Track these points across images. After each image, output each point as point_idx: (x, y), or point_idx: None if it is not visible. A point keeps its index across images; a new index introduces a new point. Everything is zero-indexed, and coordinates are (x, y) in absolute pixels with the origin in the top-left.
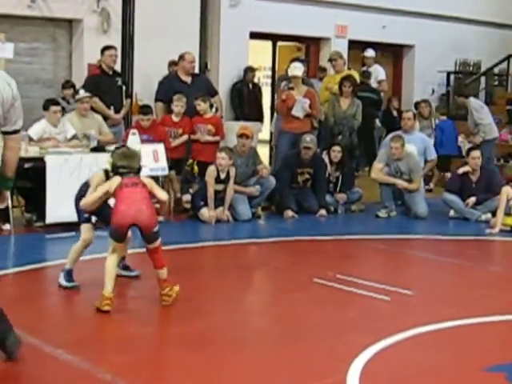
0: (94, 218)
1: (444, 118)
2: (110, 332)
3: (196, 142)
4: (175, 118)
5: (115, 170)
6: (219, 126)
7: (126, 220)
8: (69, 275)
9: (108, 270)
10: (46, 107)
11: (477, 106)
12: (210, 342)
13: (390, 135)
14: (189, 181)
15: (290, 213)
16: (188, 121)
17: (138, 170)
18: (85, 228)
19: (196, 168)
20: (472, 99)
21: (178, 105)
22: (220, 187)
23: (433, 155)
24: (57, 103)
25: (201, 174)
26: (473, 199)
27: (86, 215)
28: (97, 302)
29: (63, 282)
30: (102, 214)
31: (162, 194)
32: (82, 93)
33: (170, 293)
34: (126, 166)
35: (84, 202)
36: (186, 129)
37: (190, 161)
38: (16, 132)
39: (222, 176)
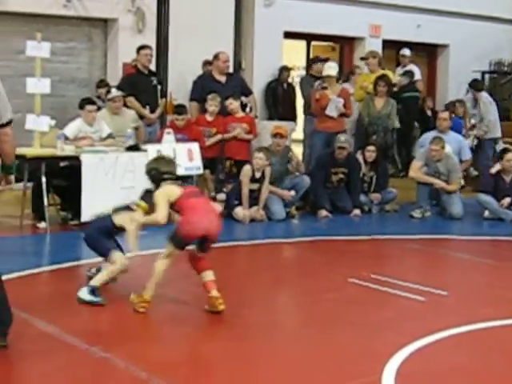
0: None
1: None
2: (146, 330)
3: (230, 142)
4: (209, 118)
5: (160, 177)
6: (253, 125)
7: (199, 231)
8: (94, 292)
9: (157, 274)
10: (81, 106)
11: (486, 101)
12: (245, 341)
13: (429, 136)
14: (223, 180)
15: (324, 212)
16: (222, 120)
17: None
18: (117, 255)
19: (234, 169)
20: (483, 93)
21: (212, 104)
22: (255, 186)
23: (467, 155)
24: (92, 102)
25: (235, 173)
26: (508, 200)
27: (111, 246)
28: (134, 299)
29: (87, 297)
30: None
31: None
32: (114, 92)
33: (219, 295)
34: (171, 171)
35: (160, 216)
36: (220, 128)
37: (229, 162)
38: (5, 125)
39: (257, 175)
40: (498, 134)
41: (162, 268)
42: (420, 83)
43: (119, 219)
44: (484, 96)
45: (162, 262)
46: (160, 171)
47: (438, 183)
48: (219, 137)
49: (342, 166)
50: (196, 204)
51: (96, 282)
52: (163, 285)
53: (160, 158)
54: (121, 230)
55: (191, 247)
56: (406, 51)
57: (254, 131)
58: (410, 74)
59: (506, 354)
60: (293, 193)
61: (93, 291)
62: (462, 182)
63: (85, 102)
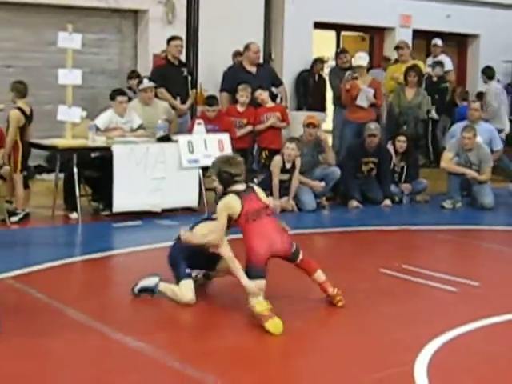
0: (194, 273)
1: None
2: (179, 321)
3: (264, 132)
4: (240, 108)
5: (231, 179)
6: (285, 114)
7: (263, 256)
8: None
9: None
10: (112, 97)
11: (495, 90)
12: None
13: (459, 126)
14: (254, 170)
15: (354, 203)
16: (253, 111)
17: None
18: (187, 287)
19: (267, 157)
20: (494, 82)
21: (244, 95)
22: (285, 177)
23: (499, 145)
24: (123, 93)
25: (268, 164)
26: None
27: (188, 270)
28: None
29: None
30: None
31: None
32: (145, 82)
33: (336, 292)
34: (241, 173)
35: (215, 236)
36: (251, 119)
37: (264, 152)
38: None
39: (288, 166)
40: (502, 126)
41: (259, 309)
42: (452, 74)
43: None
44: (493, 84)
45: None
46: (232, 174)
47: (470, 173)
48: (250, 128)
49: (373, 155)
50: (256, 228)
51: (163, 288)
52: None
53: (229, 160)
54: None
55: None
56: (438, 41)
57: (287, 120)
58: (440, 64)
59: None
60: (323, 184)
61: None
62: None
63: (116, 93)
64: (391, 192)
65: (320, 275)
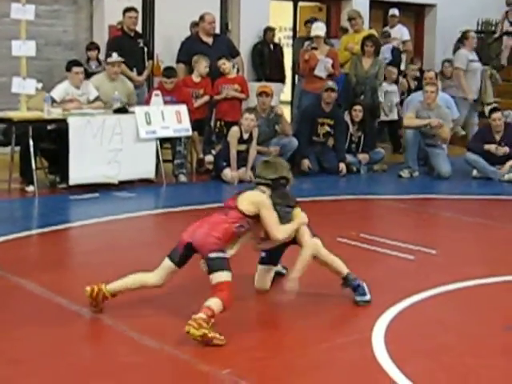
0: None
1: None
2: (135, 291)
3: (221, 103)
4: (196, 79)
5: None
6: (244, 85)
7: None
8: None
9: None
10: (68, 68)
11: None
12: (237, 301)
13: (415, 96)
14: (211, 142)
15: (306, 162)
16: (209, 81)
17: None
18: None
19: (225, 129)
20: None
21: (201, 65)
22: (243, 147)
23: (455, 114)
24: (79, 64)
25: (225, 135)
26: (506, 148)
27: None
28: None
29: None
30: None
31: None
32: (114, 56)
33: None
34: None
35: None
36: (207, 89)
37: (219, 122)
38: None
39: (245, 136)
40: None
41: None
42: (409, 44)
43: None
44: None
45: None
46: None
47: (433, 121)
48: (207, 98)
49: (329, 117)
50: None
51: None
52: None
53: (285, 164)
54: None
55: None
56: (395, 11)
57: (246, 91)
58: (386, 34)
59: (494, 312)
60: (277, 148)
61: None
62: (463, 131)
63: (71, 64)
64: (345, 156)
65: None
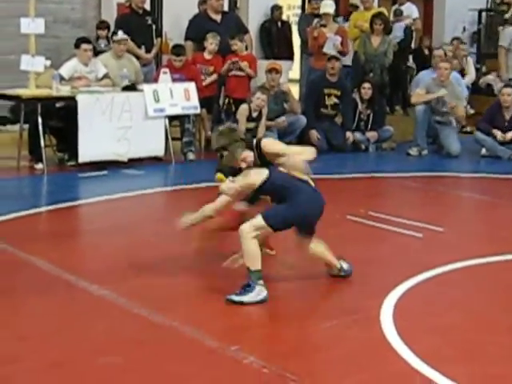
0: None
1: None
2: (145, 269)
3: (229, 80)
4: (207, 56)
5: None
6: (253, 64)
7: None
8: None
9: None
10: (77, 45)
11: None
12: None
13: (425, 74)
14: (220, 119)
15: (314, 133)
16: (219, 59)
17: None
18: None
19: (233, 107)
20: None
21: (213, 42)
22: (251, 125)
23: (465, 92)
24: (88, 41)
25: (234, 112)
26: (510, 134)
27: None
28: None
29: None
30: None
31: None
32: (120, 34)
33: None
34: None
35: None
36: (218, 67)
37: (227, 99)
38: None
39: (254, 115)
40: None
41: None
42: (418, 22)
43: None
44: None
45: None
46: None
47: (442, 93)
48: (215, 76)
49: (335, 87)
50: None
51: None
52: None
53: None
54: None
55: None
56: None
57: (254, 68)
58: (398, 12)
59: (501, 289)
60: (284, 118)
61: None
62: (471, 110)
63: (80, 41)
64: (352, 126)
65: None
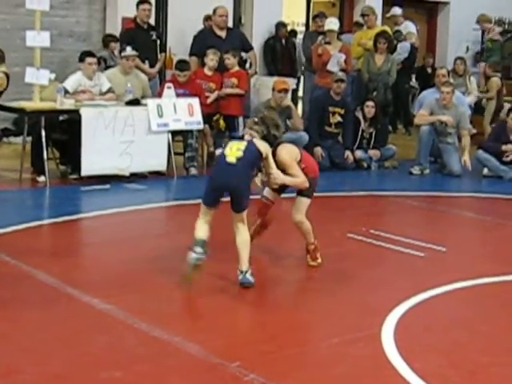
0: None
1: None
2: (147, 283)
3: (223, 98)
4: (208, 72)
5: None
6: (242, 79)
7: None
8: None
9: (306, 229)
10: (81, 59)
11: None
12: (248, 295)
13: (428, 93)
14: (222, 135)
15: (319, 150)
16: (220, 76)
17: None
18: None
19: (222, 123)
20: None
21: (213, 59)
22: None
23: (467, 112)
24: (92, 55)
25: (229, 128)
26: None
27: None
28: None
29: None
30: None
31: None
32: (128, 50)
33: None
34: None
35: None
36: (219, 84)
37: (217, 116)
38: None
39: None
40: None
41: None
42: (416, 38)
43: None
44: None
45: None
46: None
47: (446, 118)
48: (216, 93)
49: (339, 105)
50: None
51: (246, 264)
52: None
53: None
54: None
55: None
56: (395, 10)
57: (242, 85)
58: (397, 34)
59: (503, 309)
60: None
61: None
62: (474, 130)
63: (85, 55)
64: (352, 144)
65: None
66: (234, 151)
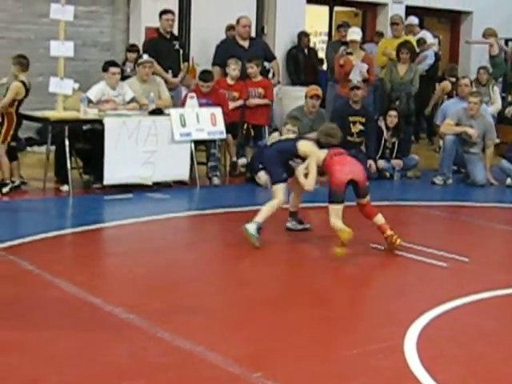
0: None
1: None
2: (169, 292)
3: (248, 107)
4: (230, 81)
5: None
6: (268, 89)
7: (344, 175)
8: (258, 229)
9: (338, 226)
10: (105, 69)
11: None
12: (274, 305)
13: (451, 103)
14: (245, 145)
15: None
16: (243, 85)
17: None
18: (281, 189)
19: (251, 132)
20: None
21: (236, 68)
22: None
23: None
24: (116, 65)
25: (255, 137)
26: None
27: (284, 175)
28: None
29: (254, 233)
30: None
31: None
32: (145, 57)
33: (393, 233)
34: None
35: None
36: (242, 93)
37: (246, 124)
38: None
39: None
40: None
41: (339, 224)
42: (437, 47)
43: (304, 146)
44: None
45: (335, 220)
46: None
47: (472, 131)
48: (241, 102)
49: (360, 114)
50: (339, 159)
51: (261, 218)
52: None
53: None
54: (300, 158)
55: None
56: (414, 20)
57: (270, 95)
58: (421, 41)
59: None
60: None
61: (258, 228)
62: (497, 139)
63: (108, 65)
64: (375, 154)
65: (380, 218)
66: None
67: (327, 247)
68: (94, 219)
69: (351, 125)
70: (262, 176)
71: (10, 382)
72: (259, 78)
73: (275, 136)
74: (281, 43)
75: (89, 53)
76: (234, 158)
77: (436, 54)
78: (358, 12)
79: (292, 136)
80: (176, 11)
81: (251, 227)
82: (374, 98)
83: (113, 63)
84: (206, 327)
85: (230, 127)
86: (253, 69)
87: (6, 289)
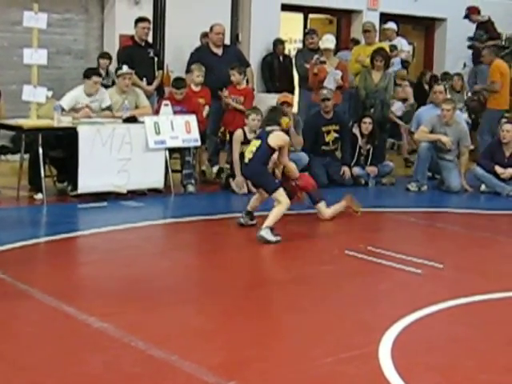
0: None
1: None
2: (144, 301)
3: (227, 113)
4: (195, 88)
5: None
6: (249, 98)
7: None
8: (272, 231)
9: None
10: (87, 76)
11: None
12: (241, 314)
13: (425, 109)
14: (218, 151)
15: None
16: (207, 91)
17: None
18: (282, 193)
19: (227, 135)
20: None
21: (199, 74)
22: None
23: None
24: (99, 74)
25: (230, 142)
26: (510, 170)
27: (277, 181)
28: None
29: (271, 238)
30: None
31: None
32: (125, 68)
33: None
34: None
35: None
36: (207, 99)
37: (222, 128)
38: None
39: (250, 136)
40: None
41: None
42: (406, 54)
43: (275, 140)
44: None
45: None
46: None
47: (446, 139)
48: (207, 108)
49: (333, 123)
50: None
51: (270, 222)
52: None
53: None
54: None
55: None
56: (389, 25)
57: (248, 104)
58: (393, 47)
59: (501, 326)
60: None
61: (271, 230)
62: (472, 146)
63: (92, 72)
64: (349, 160)
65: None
66: (248, 152)
67: (302, 257)
68: (68, 228)
69: (325, 134)
70: (235, 180)
71: None
72: (243, 85)
73: (248, 149)
74: (256, 50)
75: (63, 60)
76: (203, 167)
77: (404, 62)
78: (333, 19)
79: (258, 132)
80: (150, 18)
81: (266, 234)
82: (348, 105)
83: (96, 72)
84: (181, 336)
85: (200, 135)
86: (235, 76)
87: None
